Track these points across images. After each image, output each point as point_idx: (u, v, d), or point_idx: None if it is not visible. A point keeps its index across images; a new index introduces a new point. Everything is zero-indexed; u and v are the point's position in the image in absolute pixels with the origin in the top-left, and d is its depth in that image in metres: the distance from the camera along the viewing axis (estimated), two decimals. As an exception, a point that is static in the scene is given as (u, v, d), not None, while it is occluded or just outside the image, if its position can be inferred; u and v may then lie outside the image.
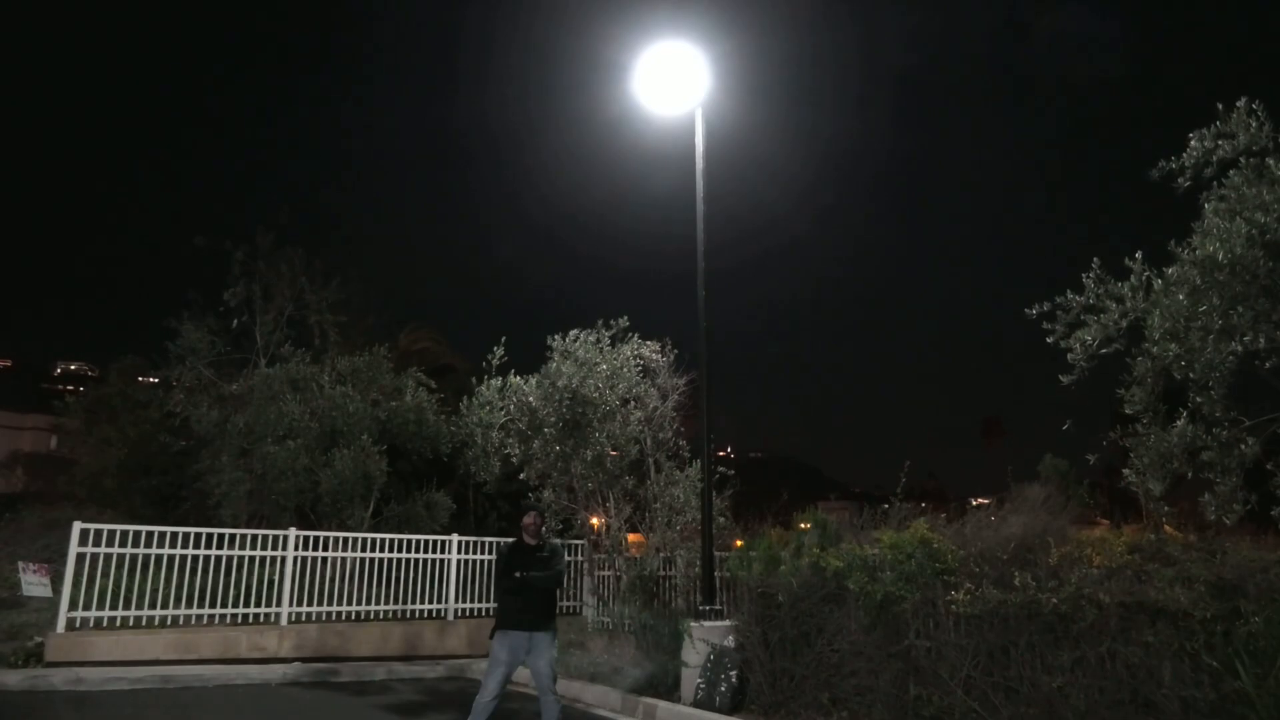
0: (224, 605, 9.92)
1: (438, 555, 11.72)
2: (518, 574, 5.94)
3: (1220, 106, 6.59)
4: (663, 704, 7.66)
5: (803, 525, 8.89)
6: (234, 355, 15.25)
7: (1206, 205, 6.60)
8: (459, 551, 11.91)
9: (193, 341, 14.54)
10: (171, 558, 9.74)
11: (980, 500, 15.63)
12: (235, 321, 15.15)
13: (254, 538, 10.53)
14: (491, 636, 6.02)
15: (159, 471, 15.66)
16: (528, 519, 6.17)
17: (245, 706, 8.03)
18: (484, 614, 11.67)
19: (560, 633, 6.55)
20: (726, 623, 7.88)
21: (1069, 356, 7.12)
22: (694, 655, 7.69)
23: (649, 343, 11.94)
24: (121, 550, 9.47)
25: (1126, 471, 7.06)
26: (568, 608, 12.23)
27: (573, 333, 11.73)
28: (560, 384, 11.09)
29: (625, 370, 11.49)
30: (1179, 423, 6.66)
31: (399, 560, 11.45)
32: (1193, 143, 6.71)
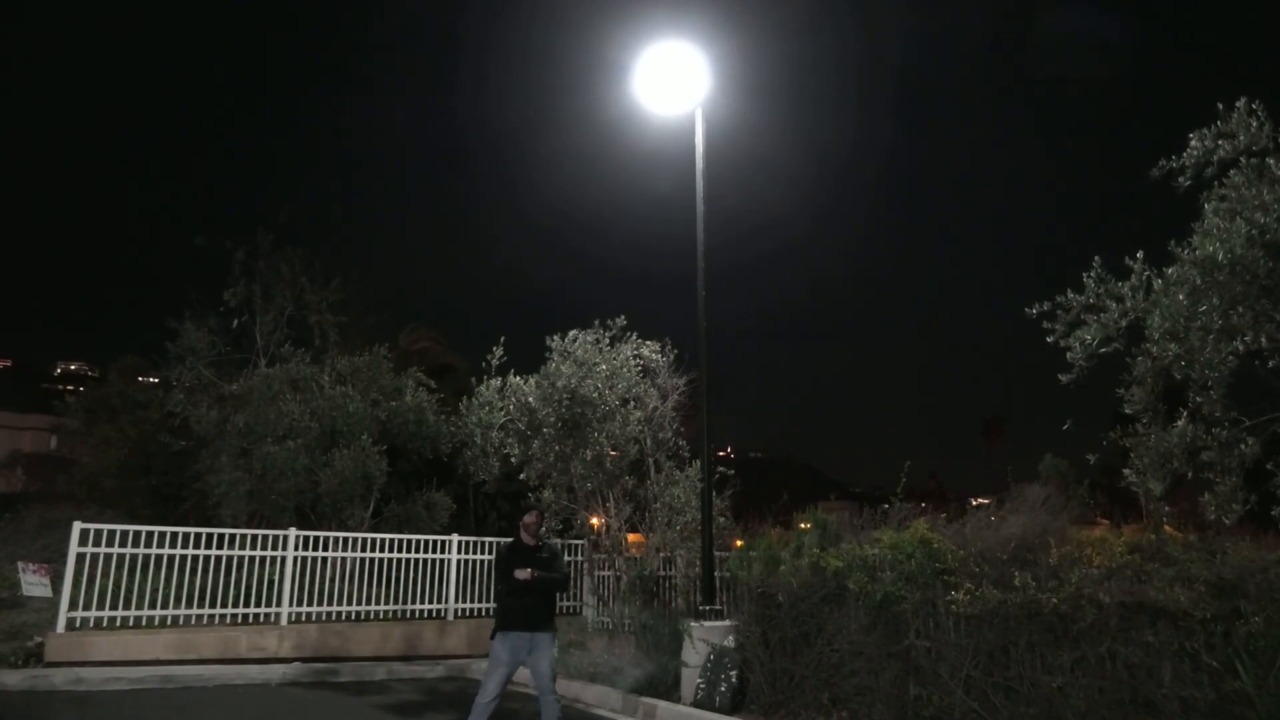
0: (224, 605, 9.92)
1: (437, 555, 11.72)
2: (521, 574, 5.89)
3: (1220, 106, 6.57)
4: (663, 704, 7.65)
5: (803, 525, 8.88)
6: (234, 355, 15.26)
7: (1206, 205, 6.58)
8: (459, 551, 11.91)
9: (193, 341, 14.55)
10: (171, 558, 9.74)
11: (980, 500, 15.64)
12: (235, 321, 15.16)
13: (254, 538, 10.53)
14: (492, 637, 6.00)
15: (159, 471, 15.66)
16: (528, 518, 6.12)
17: (245, 706, 8.03)
18: (484, 614, 11.67)
19: (560, 633, 6.54)
20: (726, 623, 7.88)
21: (1069, 356, 7.08)
22: (694, 655, 7.69)
23: (649, 343, 11.92)
24: (121, 550, 9.48)
25: (1126, 471, 7.03)
26: (568, 608, 12.22)
27: (572, 333, 11.71)
28: (559, 384, 11.09)
29: (625, 370, 11.48)
30: (1179, 423, 6.63)
31: (399, 560, 11.45)
32: (1193, 142, 6.69)
